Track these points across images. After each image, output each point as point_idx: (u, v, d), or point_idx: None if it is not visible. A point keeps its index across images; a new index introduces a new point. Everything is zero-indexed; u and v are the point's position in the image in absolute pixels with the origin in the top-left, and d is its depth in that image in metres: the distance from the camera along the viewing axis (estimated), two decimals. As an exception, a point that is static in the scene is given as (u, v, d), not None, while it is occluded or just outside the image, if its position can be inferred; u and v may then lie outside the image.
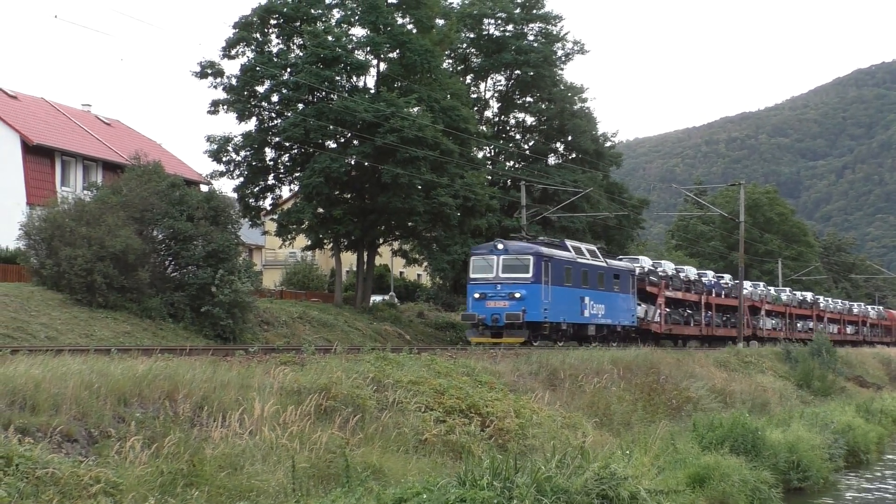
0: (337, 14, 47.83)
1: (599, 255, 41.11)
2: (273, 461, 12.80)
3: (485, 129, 60.29)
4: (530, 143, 64.64)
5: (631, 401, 25.52)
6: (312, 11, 45.75)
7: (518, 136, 65.73)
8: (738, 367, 39.40)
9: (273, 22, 46.83)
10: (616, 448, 17.90)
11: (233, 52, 46.46)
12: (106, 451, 11.28)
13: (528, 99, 64.12)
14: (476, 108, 60.27)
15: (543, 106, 63.15)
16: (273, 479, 12.25)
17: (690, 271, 53.10)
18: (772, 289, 66.79)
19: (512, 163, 62.28)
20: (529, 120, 65.75)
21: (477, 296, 34.65)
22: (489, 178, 58.65)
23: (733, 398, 32.48)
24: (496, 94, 64.74)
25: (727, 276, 59.84)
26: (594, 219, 59.53)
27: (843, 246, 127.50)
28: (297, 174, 46.05)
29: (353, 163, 44.56)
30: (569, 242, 40.00)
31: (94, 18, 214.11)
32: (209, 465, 11.86)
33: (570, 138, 64.13)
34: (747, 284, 57.88)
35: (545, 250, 35.92)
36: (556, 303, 35.30)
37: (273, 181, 47.40)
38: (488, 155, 61.69)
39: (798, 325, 67.25)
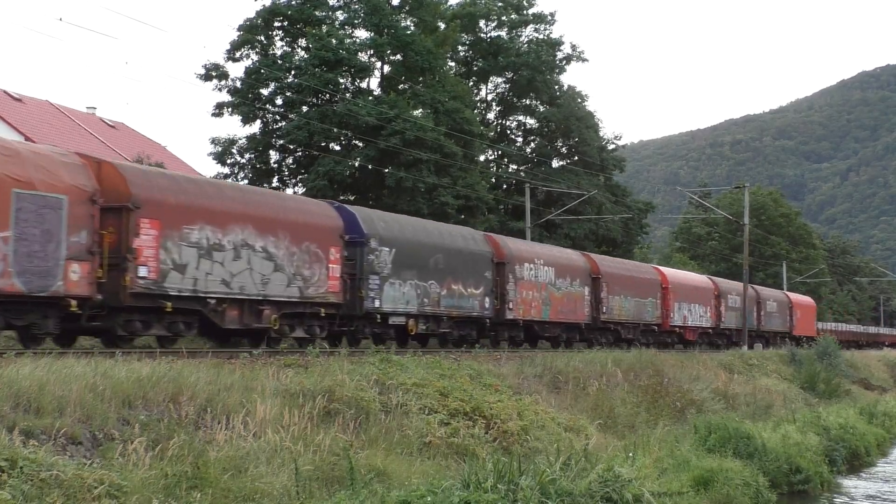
0: (341, 16, 48.00)
1: None
2: (277, 463, 12.80)
3: (491, 134, 60.28)
4: (532, 147, 64.61)
5: (635, 403, 25.48)
6: (316, 14, 45.90)
7: (520, 140, 65.70)
8: (742, 370, 39.34)
9: (277, 24, 47.01)
10: (620, 450, 17.88)
11: (237, 55, 46.65)
12: (110, 453, 11.28)
13: (527, 102, 64.06)
14: (478, 112, 60.29)
15: (542, 109, 63.06)
16: (277, 482, 12.25)
17: None
18: None
19: (515, 166, 62.25)
20: (530, 122, 65.75)
21: None
22: (493, 180, 58.68)
23: (737, 400, 32.43)
24: (496, 98, 64.74)
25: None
26: (598, 222, 59.35)
27: (848, 248, 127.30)
28: (301, 177, 46.13)
29: (357, 165, 44.63)
30: None
31: (99, 21, 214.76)
32: (213, 468, 11.85)
33: (572, 141, 64.07)
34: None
35: None
36: None
37: (277, 184, 47.47)
38: (491, 158, 61.69)
39: None
